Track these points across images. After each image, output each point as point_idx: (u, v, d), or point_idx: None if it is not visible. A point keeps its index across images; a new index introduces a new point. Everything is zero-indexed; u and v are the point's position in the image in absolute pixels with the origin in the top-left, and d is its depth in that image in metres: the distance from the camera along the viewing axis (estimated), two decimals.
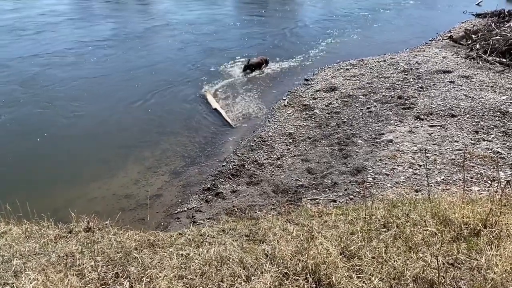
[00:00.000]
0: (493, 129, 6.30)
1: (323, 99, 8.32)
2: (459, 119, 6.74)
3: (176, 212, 5.23)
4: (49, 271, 2.73)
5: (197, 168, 6.26)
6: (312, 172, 5.70)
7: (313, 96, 8.55)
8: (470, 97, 7.59)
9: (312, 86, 9.22)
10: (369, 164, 5.58)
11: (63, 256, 2.96)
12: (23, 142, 6.97)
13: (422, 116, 6.96)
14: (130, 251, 3.04)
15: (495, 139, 5.99)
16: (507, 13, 14.23)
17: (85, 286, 2.61)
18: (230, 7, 20.84)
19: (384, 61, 10.44)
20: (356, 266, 2.71)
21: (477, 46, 10.54)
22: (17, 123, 7.67)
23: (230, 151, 6.70)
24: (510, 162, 5.30)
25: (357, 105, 7.84)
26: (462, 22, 15.34)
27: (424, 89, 8.21)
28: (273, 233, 3.24)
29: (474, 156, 5.45)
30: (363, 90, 8.50)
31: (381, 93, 8.26)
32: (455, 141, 6.00)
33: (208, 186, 5.68)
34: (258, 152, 6.44)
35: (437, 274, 2.53)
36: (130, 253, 2.99)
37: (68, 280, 2.61)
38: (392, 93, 8.16)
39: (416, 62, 10.07)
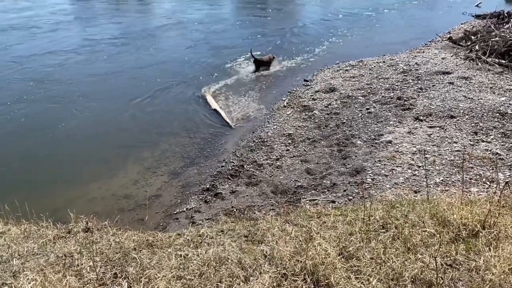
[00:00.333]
0: (492, 130, 6.31)
1: (323, 100, 8.33)
2: (458, 120, 6.75)
3: (175, 212, 5.23)
4: (48, 271, 2.73)
5: (196, 168, 6.27)
6: (311, 172, 5.70)
7: (312, 97, 8.56)
8: (469, 98, 7.60)
9: (311, 87, 9.22)
10: (368, 165, 5.59)
11: (62, 257, 2.96)
12: (23, 142, 6.97)
13: (421, 117, 6.96)
14: (129, 251, 3.04)
15: (494, 140, 6.00)
16: (506, 15, 14.22)
17: (84, 287, 2.61)
18: (231, 7, 20.96)
19: (384, 62, 10.45)
20: (355, 267, 2.72)
21: (477, 47, 10.55)
22: (19, 122, 7.67)
23: (229, 152, 6.70)
24: (509, 163, 5.30)
25: (356, 106, 7.84)
26: (461, 23, 15.34)
27: (424, 90, 8.22)
28: (272, 233, 3.24)
29: (473, 157, 5.46)
30: (363, 91, 8.51)
31: (381, 94, 8.27)
32: (454, 142, 6.01)
33: (207, 186, 5.68)
34: (258, 153, 6.45)
35: (436, 275, 2.53)
36: (128, 254, 2.99)
37: (67, 280, 2.61)
38: (392, 94, 8.17)
39: (416, 63, 10.08)
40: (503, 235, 2.98)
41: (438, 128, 6.51)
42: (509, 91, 7.87)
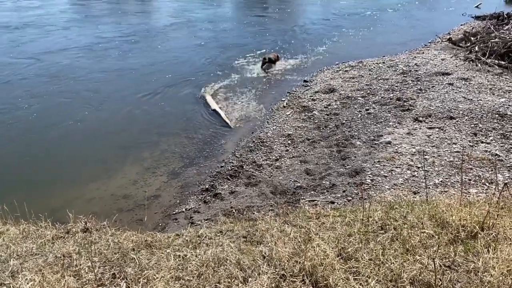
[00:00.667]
0: (492, 131, 6.31)
1: (322, 100, 8.33)
2: (457, 121, 6.75)
3: (174, 213, 5.22)
4: (46, 271, 2.73)
5: (195, 169, 6.26)
6: (310, 173, 5.70)
7: (312, 97, 8.56)
8: (468, 99, 7.60)
9: (311, 88, 9.23)
10: (367, 166, 5.59)
11: (60, 257, 2.96)
12: (23, 142, 6.98)
13: (421, 118, 6.96)
14: (128, 252, 3.04)
15: (494, 141, 6.00)
16: (506, 16, 14.24)
17: (82, 287, 2.61)
18: (235, 6, 21.11)
19: (383, 63, 10.45)
20: (353, 268, 2.72)
21: (476, 48, 10.56)
22: (21, 122, 7.68)
23: (228, 152, 6.70)
24: (508, 165, 5.31)
25: (355, 106, 7.85)
26: (461, 24, 15.35)
27: (423, 91, 8.22)
28: (271, 234, 3.24)
29: (472, 158, 5.46)
30: (362, 92, 8.51)
31: (380, 95, 8.27)
32: (454, 143, 6.01)
33: (207, 187, 5.68)
34: (257, 153, 6.45)
35: (434, 277, 2.53)
36: (127, 254, 2.99)
37: (65, 280, 2.61)
38: (391, 95, 8.17)
39: (415, 64, 10.08)
40: (502, 236, 2.98)
41: (437, 129, 6.51)
42: (509, 92, 7.88)
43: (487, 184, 4.81)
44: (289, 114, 7.88)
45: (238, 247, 3.06)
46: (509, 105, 7.21)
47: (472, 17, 16.53)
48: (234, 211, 4.92)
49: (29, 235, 3.48)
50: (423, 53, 11.43)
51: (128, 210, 5.26)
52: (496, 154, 5.58)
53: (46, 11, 17.73)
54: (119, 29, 14.84)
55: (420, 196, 4.53)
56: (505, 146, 5.84)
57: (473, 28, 13.90)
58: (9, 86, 9.39)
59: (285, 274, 2.68)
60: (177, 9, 19.07)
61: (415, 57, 10.91)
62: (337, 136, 6.72)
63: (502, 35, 10.64)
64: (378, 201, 4.12)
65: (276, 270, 2.72)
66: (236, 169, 6.00)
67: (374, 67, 10.13)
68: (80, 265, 2.80)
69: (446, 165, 5.36)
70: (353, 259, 2.79)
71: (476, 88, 8.16)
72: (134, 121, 7.87)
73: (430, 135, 6.34)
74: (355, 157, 5.95)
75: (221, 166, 6.21)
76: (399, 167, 5.45)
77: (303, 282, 2.61)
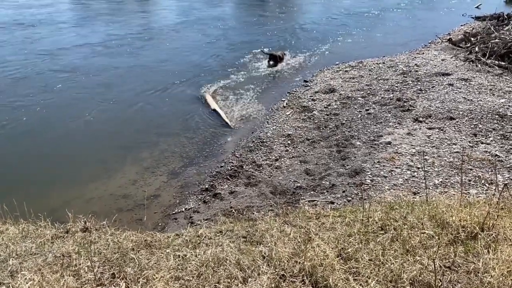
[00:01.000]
0: (492, 132, 6.31)
1: (322, 100, 8.33)
2: (457, 121, 6.75)
3: (173, 212, 5.22)
4: (45, 271, 2.72)
5: (195, 168, 6.25)
6: (310, 173, 5.70)
7: (312, 97, 8.56)
8: (468, 99, 7.60)
9: (311, 88, 9.22)
10: (367, 166, 5.58)
11: (60, 256, 2.95)
12: (23, 142, 6.96)
13: (421, 119, 6.96)
14: (127, 251, 3.03)
15: (493, 142, 6.00)
16: (506, 16, 14.24)
17: (81, 287, 2.60)
18: (236, 7, 21.22)
19: (383, 63, 10.45)
20: (353, 268, 2.71)
21: (476, 49, 10.56)
22: (22, 122, 7.66)
23: (228, 152, 6.69)
24: (508, 165, 5.30)
25: (355, 107, 7.84)
26: (461, 25, 15.35)
27: (423, 92, 8.22)
28: (271, 234, 3.24)
29: (472, 159, 5.46)
30: (362, 92, 8.51)
31: (380, 95, 8.27)
32: (453, 143, 6.01)
33: (206, 187, 5.67)
34: (257, 153, 6.44)
35: (434, 277, 2.52)
36: (127, 254, 2.98)
37: (64, 280, 2.60)
38: (391, 95, 8.17)
39: (415, 64, 10.08)
40: (502, 237, 2.98)
41: (437, 130, 6.51)
42: (509, 92, 7.88)
43: (487, 184, 4.81)
44: (289, 114, 7.88)
45: (238, 247, 3.06)
46: (509, 105, 7.21)
47: (472, 18, 16.53)
48: (233, 211, 4.91)
49: (28, 235, 3.47)
50: (423, 53, 11.43)
51: (127, 210, 5.26)
52: (496, 155, 5.58)
53: (56, 8, 17.96)
54: (128, 28, 15.02)
55: (420, 196, 4.53)
56: (505, 146, 5.84)
57: (473, 28, 13.91)
58: (14, 82, 9.50)
59: (285, 274, 2.67)
60: (186, 8, 19.16)
61: (415, 57, 10.92)
62: (337, 136, 6.71)
63: (502, 36, 10.64)
64: (378, 202, 4.11)
65: (276, 270, 2.72)
66: (236, 169, 5.99)
67: (374, 67, 10.13)
68: (80, 264, 2.79)
69: (446, 166, 5.36)
70: (353, 260, 2.79)
71: (476, 89, 8.16)
72: (134, 121, 7.87)
73: (430, 135, 6.34)
74: (355, 157, 5.94)
75: (221, 166, 6.20)
76: (399, 168, 5.45)
77: (303, 282, 2.61)
